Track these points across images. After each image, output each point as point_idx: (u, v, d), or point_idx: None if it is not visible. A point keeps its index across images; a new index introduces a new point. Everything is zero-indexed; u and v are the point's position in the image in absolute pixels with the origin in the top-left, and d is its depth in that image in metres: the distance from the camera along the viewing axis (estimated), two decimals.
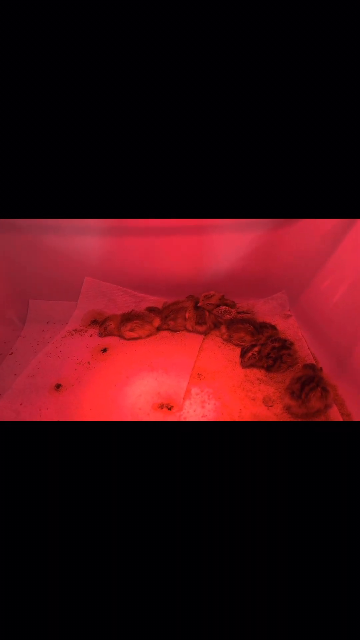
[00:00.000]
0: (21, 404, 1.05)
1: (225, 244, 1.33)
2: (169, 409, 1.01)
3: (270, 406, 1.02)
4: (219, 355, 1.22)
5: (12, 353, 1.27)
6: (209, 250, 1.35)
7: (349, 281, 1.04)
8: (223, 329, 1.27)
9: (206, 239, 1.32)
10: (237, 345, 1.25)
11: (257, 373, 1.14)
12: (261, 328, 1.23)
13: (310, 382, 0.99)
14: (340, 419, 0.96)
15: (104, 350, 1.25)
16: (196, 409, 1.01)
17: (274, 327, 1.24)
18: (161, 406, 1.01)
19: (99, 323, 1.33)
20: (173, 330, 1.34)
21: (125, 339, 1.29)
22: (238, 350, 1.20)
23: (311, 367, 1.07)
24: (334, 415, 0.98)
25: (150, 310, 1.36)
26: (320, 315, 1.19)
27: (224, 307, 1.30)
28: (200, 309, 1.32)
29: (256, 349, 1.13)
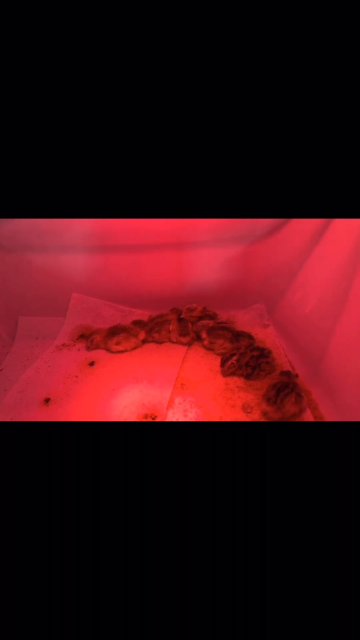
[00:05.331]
0: (11, 419, 1.09)
1: (205, 259, 1.40)
2: (153, 418, 1.06)
3: (249, 412, 1.09)
4: (202, 365, 1.28)
5: (1, 369, 1.31)
6: (191, 265, 1.42)
7: (317, 294, 1.12)
8: (204, 334, 1.33)
9: (187, 255, 1.40)
10: (219, 354, 1.31)
11: (237, 381, 1.20)
12: (238, 337, 1.30)
13: (285, 388, 1.05)
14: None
15: (91, 363, 1.30)
16: (179, 418, 1.06)
17: (251, 336, 1.31)
18: (145, 416, 1.07)
19: (87, 337, 1.38)
20: (158, 342, 1.40)
21: (111, 352, 1.35)
22: (220, 360, 1.26)
23: (287, 374, 1.13)
24: (308, 418, 1.04)
25: (136, 323, 1.42)
26: (294, 325, 1.27)
27: (202, 321, 1.36)
28: (184, 321, 1.39)
29: (235, 358, 1.20)
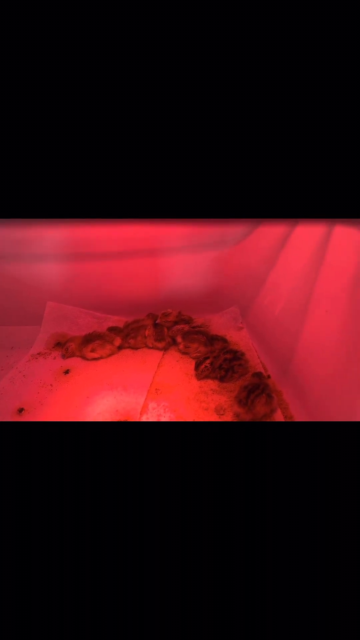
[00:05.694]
0: None
1: (179, 265, 1.42)
2: None
3: (222, 415, 1.10)
4: (177, 369, 1.29)
5: None
6: (166, 271, 1.44)
7: (284, 297, 1.15)
8: (179, 338, 1.35)
9: (162, 261, 1.41)
10: (194, 358, 1.33)
11: (211, 384, 1.22)
12: (213, 340, 1.32)
13: (255, 389, 1.08)
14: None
15: (67, 372, 1.29)
16: None
17: (224, 340, 1.34)
18: None
19: (62, 345, 1.38)
20: (134, 348, 1.40)
21: (87, 359, 1.34)
22: (194, 364, 1.28)
23: (258, 375, 1.16)
24: (279, 418, 1.07)
25: (112, 329, 1.42)
26: (266, 328, 1.29)
27: (177, 326, 1.38)
28: (159, 326, 1.40)
29: (208, 361, 1.22)
